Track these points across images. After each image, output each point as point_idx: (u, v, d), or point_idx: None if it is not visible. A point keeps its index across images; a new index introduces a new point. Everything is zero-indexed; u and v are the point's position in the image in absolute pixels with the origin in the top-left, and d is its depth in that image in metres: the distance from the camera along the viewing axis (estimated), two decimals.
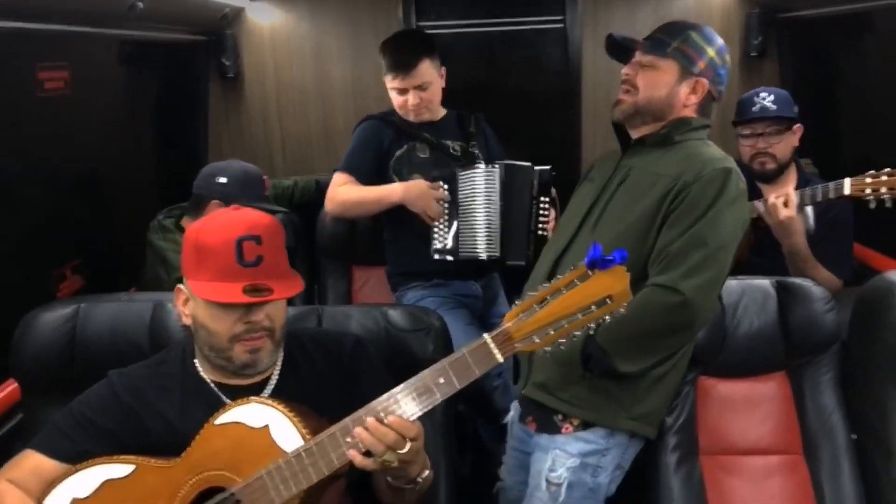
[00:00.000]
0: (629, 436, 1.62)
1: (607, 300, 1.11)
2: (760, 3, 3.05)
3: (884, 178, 1.92)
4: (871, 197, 1.94)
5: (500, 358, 1.17)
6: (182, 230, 2.24)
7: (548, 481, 1.60)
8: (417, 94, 2.29)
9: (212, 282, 1.27)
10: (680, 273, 1.47)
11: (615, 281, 1.11)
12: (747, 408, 1.80)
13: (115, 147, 2.50)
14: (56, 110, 2.05)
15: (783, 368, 1.81)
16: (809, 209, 2.14)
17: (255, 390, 1.36)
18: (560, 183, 2.25)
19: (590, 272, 1.11)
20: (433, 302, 2.29)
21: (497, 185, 2.21)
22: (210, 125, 3.25)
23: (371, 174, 2.32)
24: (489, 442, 2.42)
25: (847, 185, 1.97)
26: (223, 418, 1.26)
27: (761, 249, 2.09)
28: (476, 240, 2.23)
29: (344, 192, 2.31)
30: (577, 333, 1.14)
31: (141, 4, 2.10)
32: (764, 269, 1.95)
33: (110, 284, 2.27)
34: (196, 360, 1.39)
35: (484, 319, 2.44)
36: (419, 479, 1.27)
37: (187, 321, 1.36)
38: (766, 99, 2.21)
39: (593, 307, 1.11)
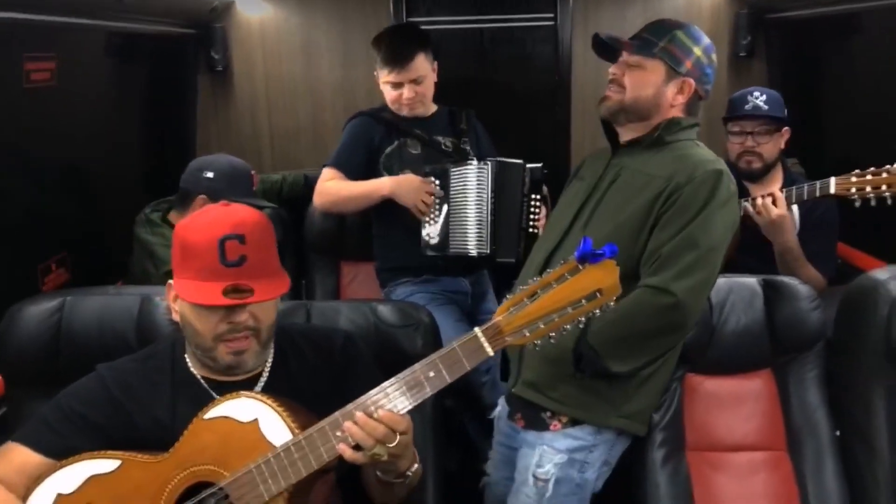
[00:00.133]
0: (617, 432, 1.63)
1: (597, 294, 1.12)
2: (749, 3, 3.07)
3: (869, 177, 1.94)
4: (856, 196, 1.95)
5: (490, 351, 1.17)
6: (169, 224, 2.23)
7: (535, 477, 1.61)
8: (412, 87, 2.28)
9: (194, 281, 1.26)
10: (672, 274, 1.48)
11: (605, 275, 1.12)
12: (733, 405, 1.81)
13: (101, 139, 2.48)
14: (42, 102, 2.03)
15: (769, 366, 1.83)
16: (795, 208, 2.15)
17: (245, 386, 1.35)
18: (549, 180, 2.25)
19: (580, 266, 1.11)
20: (422, 298, 2.29)
21: (488, 182, 2.21)
22: (198, 119, 3.23)
23: (360, 171, 2.32)
24: (476, 437, 2.42)
25: (832, 184, 1.99)
26: (212, 413, 1.25)
27: (747, 248, 2.10)
28: (466, 236, 2.23)
29: (332, 186, 2.31)
30: (568, 327, 1.15)
31: None
32: (750, 268, 1.96)
33: (96, 278, 2.25)
34: (186, 356, 1.38)
35: (473, 316, 2.44)
36: (408, 473, 1.27)
37: (176, 317, 1.34)
38: (759, 98, 2.23)
39: (584, 301, 1.12)
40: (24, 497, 1.25)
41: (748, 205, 2.06)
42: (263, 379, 1.38)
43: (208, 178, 2.16)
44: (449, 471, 2.18)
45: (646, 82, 1.62)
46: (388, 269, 2.42)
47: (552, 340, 1.16)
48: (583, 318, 1.14)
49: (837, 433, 1.77)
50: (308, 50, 3.25)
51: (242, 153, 3.02)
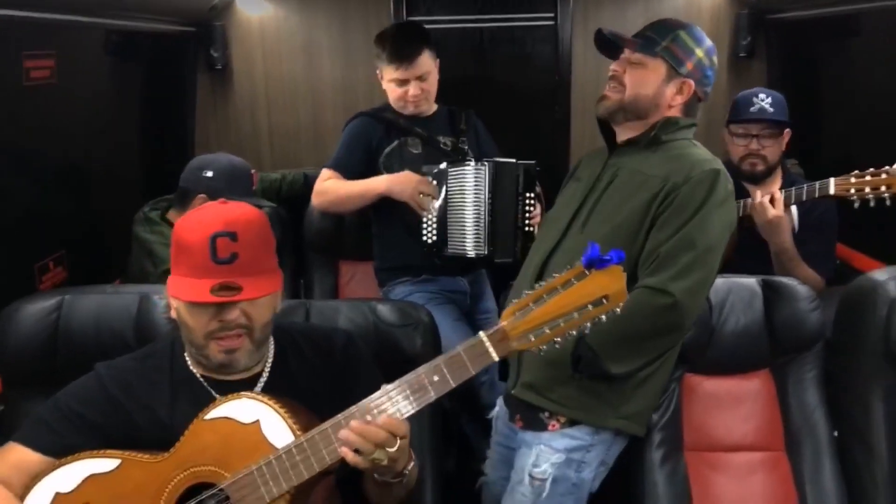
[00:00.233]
0: (615, 433, 1.63)
1: (603, 300, 1.11)
2: (749, 3, 3.07)
3: (868, 178, 1.94)
4: (856, 197, 1.95)
5: (495, 356, 1.17)
6: (168, 222, 2.22)
7: (531, 476, 1.61)
8: (418, 84, 2.28)
9: (185, 277, 1.26)
10: (670, 275, 1.48)
11: (612, 280, 1.11)
12: (732, 405, 1.81)
13: (100, 137, 2.47)
14: (41, 100, 2.02)
15: (768, 366, 1.83)
16: (794, 209, 2.16)
17: (245, 385, 1.34)
18: (549, 180, 2.25)
19: (587, 272, 1.11)
20: (421, 297, 2.29)
21: (485, 183, 2.20)
22: (197, 117, 3.22)
23: (359, 171, 2.31)
24: (474, 437, 2.41)
25: (832, 185, 1.99)
26: (213, 413, 1.24)
27: (746, 249, 2.10)
28: (464, 238, 2.23)
29: (330, 186, 2.31)
30: (573, 333, 1.14)
31: None
32: (748, 268, 1.95)
33: (94, 276, 2.25)
34: (186, 354, 1.38)
35: (471, 316, 2.44)
36: (405, 472, 1.27)
37: (174, 315, 1.34)
38: (765, 101, 2.21)
39: (589, 306, 1.11)
40: (23, 496, 1.25)
41: (748, 201, 2.06)
42: (264, 378, 1.37)
43: (208, 177, 2.16)
44: (447, 471, 2.19)
45: (646, 81, 1.62)
46: (387, 269, 2.41)
47: (557, 346, 1.15)
48: (588, 324, 1.13)
49: (836, 433, 1.77)
50: (308, 49, 3.24)
51: (241, 152, 3.00)
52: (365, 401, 1.20)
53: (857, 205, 1.96)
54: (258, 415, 1.22)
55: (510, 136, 2.88)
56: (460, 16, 3.25)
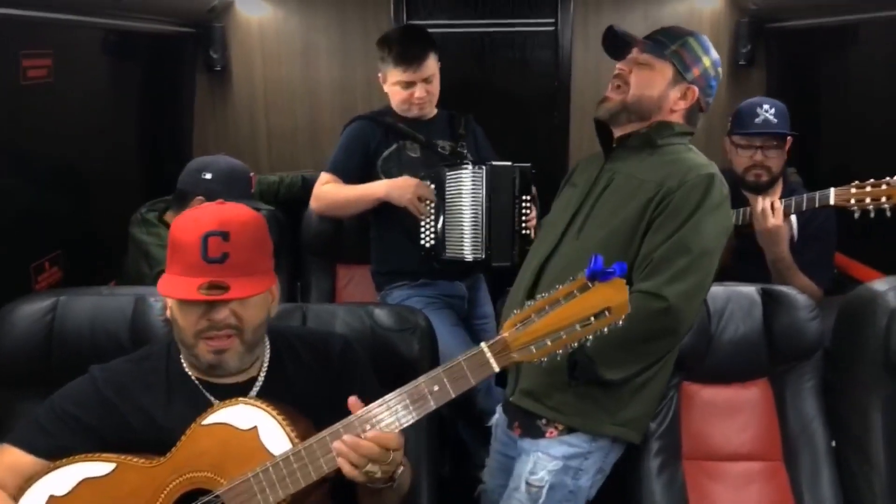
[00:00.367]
0: (612, 440, 1.62)
1: (606, 312, 1.11)
2: (749, 12, 3.08)
3: (868, 188, 1.94)
4: (856, 207, 1.95)
5: (496, 367, 1.16)
6: (165, 224, 2.21)
7: (528, 483, 1.60)
8: (423, 87, 2.28)
9: (176, 276, 1.26)
10: (664, 279, 1.48)
11: (614, 293, 1.11)
12: (730, 413, 1.81)
13: (98, 137, 2.46)
14: (39, 99, 2.01)
15: (766, 375, 1.83)
16: (793, 218, 2.15)
17: (241, 389, 1.34)
18: (547, 185, 2.25)
19: (590, 284, 1.10)
20: (419, 302, 2.28)
21: (483, 187, 2.20)
22: (196, 118, 3.21)
23: (358, 175, 2.31)
24: (471, 443, 2.41)
25: (832, 195, 1.99)
26: (210, 419, 1.23)
27: (744, 256, 2.10)
28: (462, 242, 2.23)
29: (329, 190, 2.30)
30: (575, 345, 1.14)
31: None
32: (747, 275, 1.96)
33: (90, 277, 2.23)
34: (181, 357, 1.37)
35: (468, 320, 2.44)
36: (395, 477, 1.26)
37: (168, 314, 1.34)
38: (769, 112, 2.19)
39: (592, 319, 1.11)
40: (16, 498, 1.24)
41: (747, 209, 2.06)
42: (259, 382, 1.36)
43: (206, 180, 2.15)
44: (443, 476, 2.18)
45: (652, 82, 1.62)
46: (385, 273, 2.41)
47: (558, 358, 1.15)
48: (590, 337, 1.13)
49: (833, 443, 1.76)
50: (307, 51, 3.23)
51: (240, 153, 3.00)
52: (363, 410, 1.19)
53: (857, 215, 1.95)
54: (256, 421, 1.21)
55: (509, 141, 2.87)
56: (460, 20, 3.25)
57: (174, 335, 1.33)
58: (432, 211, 2.24)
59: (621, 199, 1.59)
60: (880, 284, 1.72)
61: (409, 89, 2.28)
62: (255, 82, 3.25)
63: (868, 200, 1.93)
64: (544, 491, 1.59)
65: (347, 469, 1.17)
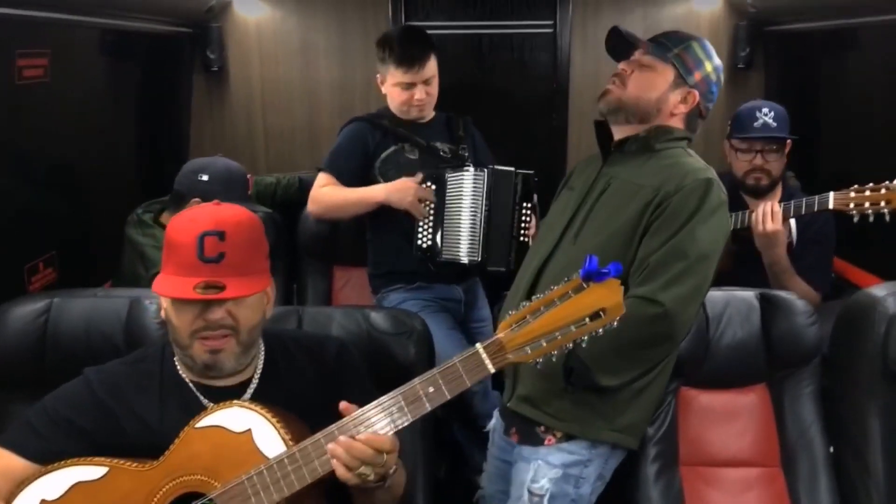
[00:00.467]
0: (611, 447, 1.61)
1: (601, 313, 1.10)
2: (748, 15, 3.08)
3: (867, 193, 1.93)
4: (855, 211, 1.94)
5: (491, 369, 1.16)
6: (161, 225, 2.21)
7: (530, 492, 1.59)
8: (424, 88, 2.27)
9: (171, 275, 1.25)
10: (660, 284, 1.46)
11: (609, 294, 1.10)
12: (728, 419, 1.80)
13: (94, 137, 2.45)
14: (34, 98, 2.00)
15: (764, 380, 1.82)
16: (792, 222, 2.15)
17: (235, 392, 1.33)
18: (546, 187, 2.24)
19: (584, 285, 1.10)
20: (415, 305, 2.27)
21: (484, 190, 2.19)
22: (193, 118, 3.21)
23: (355, 177, 2.30)
24: (467, 445, 2.40)
25: (831, 199, 1.98)
26: (204, 422, 1.23)
27: (743, 260, 2.09)
28: (459, 243, 2.22)
29: (327, 193, 2.29)
30: (570, 346, 1.13)
31: None
32: (746, 280, 1.95)
33: (86, 278, 2.22)
34: (175, 359, 1.36)
35: (465, 324, 2.43)
36: (388, 476, 1.25)
37: (163, 315, 1.33)
38: (768, 115, 2.19)
39: (587, 320, 1.11)
40: (8, 502, 1.23)
41: (746, 213, 2.06)
42: (254, 384, 1.36)
43: (203, 181, 2.15)
44: (439, 478, 2.17)
45: (652, 84, 1.61)
46: (381, 275, 2.39)
47: (554, 359, 1.14)
48: (585, 337, 1.12)
49: (831, 450, 1.76)
50: (305, 51, 3.23)
51: (237, 154, 3.00)
52: (358, 412, 1.19)
53: (856, 219, 1.95)
54: (250, 424, 1.21)
55: (507, 144, 2.87)
56: (459, 21, 3.24)
57: (169, 336, 1.33)
58: (431, 212, 2.23)
59: (619, 203, 1.58)
60: (879, 290, 1.71)
61: (409, 90, 2.26)
62: (252, 83, 3.24)
63: (867, 205, 1.92)
64: (546, 500, 1.58)
65: (341, 472, 1.17)
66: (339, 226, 2.63)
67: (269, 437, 1.20)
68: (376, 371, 1.49)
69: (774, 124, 2.18)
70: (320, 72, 3.24)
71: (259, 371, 1.37)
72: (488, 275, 2.30)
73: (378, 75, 2.33)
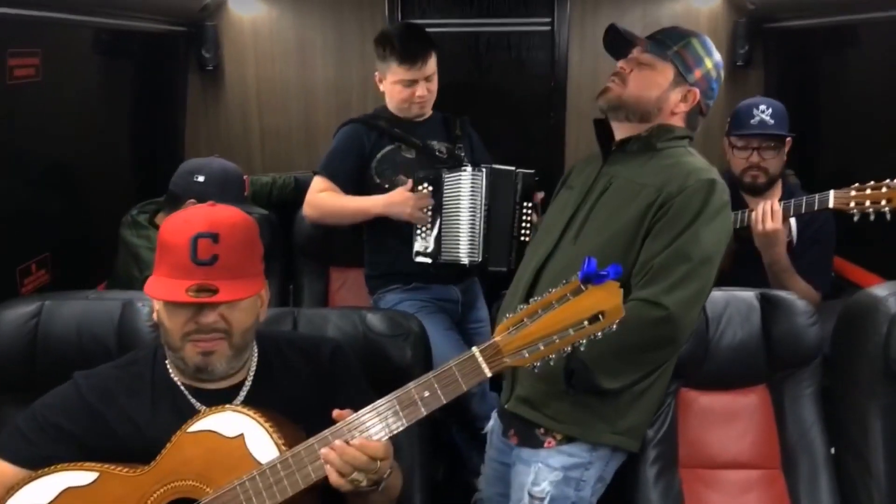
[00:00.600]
0: (612, 449, 1.59)
1: (600, 316, 1.09)
2: (747, 12, 3.06)
3: (868, 191, 1.92)
4: (855, 210, 1.93)
5: (488, 373, 1.14)
6: (156, 226, 2.19)
7: (531, 495, 1.57)
8: (425, 85, 2.25)
9: (164, 277, 1.24)
10: (663, 287, 1.45)
11: (608, 296, 1.09)
12: (727, 421, 1.79)
13: (87, 137, 2.43)
14: (26, 98, 1.98)
15: (764, 381, 1.80)
16: (792, 221, 2.14)
17: (227, 394, 1.32)
18: (543, 187, 2.23)
19: (583, 287, 1.08)
20: (412, 306, 2.26)
21: (482, 189, 2.18)
22: (188, 118, 3.19)
23: (351, 179, 2.28)
24: (465, 448, 2.39)
25: (831, 198, 1.96)
26: (196, 426, 1.21)
27: (743, 260, 2.08)
28: (458, 244, 2.20)
29: (324, 199, 2.27)
30: (568, 349, 1.11)
31: None
32: (746, 279, 1.94)
33: (79, 280, 2.20)
34: (167, 362, 1.34)
35: (462, 325, 2.41)
36: (383, 479, 1.23)
37: (155, 317, 1.31)
38: (765, 112, 2.17)
39: (585, 323, 1.09)
40: None
41: (746, 212, 2.05)
42: (246, 387, 1.34)
43: (199, 183, 2.13)
44: (436, 480, 2.16)
45: (652, 83, 1.59)
46: (378, 276, 2.38)
47: (551, 363, 1.12)
48: (583, 341, 1.10)
49: (832, 451, 1.74)
50: (301, 50, 3.21)
51: (232, 153, 2.98)
52: (353, 416, 1.18)
53: (856, 218, 1.93)
54: (242, 428, 1.19)
55: (505, 143, 2.85)
56: (455, 19, 3.22)
57: (161, 338, 1.31)
58: (430, 214, 2.21)
59: (620, 203, 1.55)
60: (880, 290, 1.70)
61: (410, 87, 2.25)
62: (248, 82, 3.22)
63: (868, 203, 1.91)
64: (546, 502, 1.57)
65: (334, 477, 1.16)
66: (335, 227, 2.61)
67: (261, 442, 1.18)
68: (372, 373, 1.47)
69: (772, 122, 2.17)
70: (316, 71, 3.22)
71: (252, 373, 1.35)
72: (488, 275, 2.28)
73: (376, 73, 2.31)
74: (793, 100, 2.77)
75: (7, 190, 1.98)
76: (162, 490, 1.20)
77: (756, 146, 2.18)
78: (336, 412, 1.20)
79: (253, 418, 1.20)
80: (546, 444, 1.57)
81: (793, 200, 2.03)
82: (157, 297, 1.24)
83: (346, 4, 3.17)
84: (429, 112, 2.36)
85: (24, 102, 1.99)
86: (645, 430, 1.65)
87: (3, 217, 1.96)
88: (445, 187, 2.20)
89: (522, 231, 2.19)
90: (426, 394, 1.16)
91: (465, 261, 2.20)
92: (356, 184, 2.28)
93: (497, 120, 3.18)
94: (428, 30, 2.34)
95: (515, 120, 3.30)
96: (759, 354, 1.77)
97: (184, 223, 1.25)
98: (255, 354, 1.37)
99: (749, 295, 1.80)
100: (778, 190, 2.24)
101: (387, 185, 2.28)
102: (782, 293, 1.82)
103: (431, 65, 2.25)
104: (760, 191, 2.21)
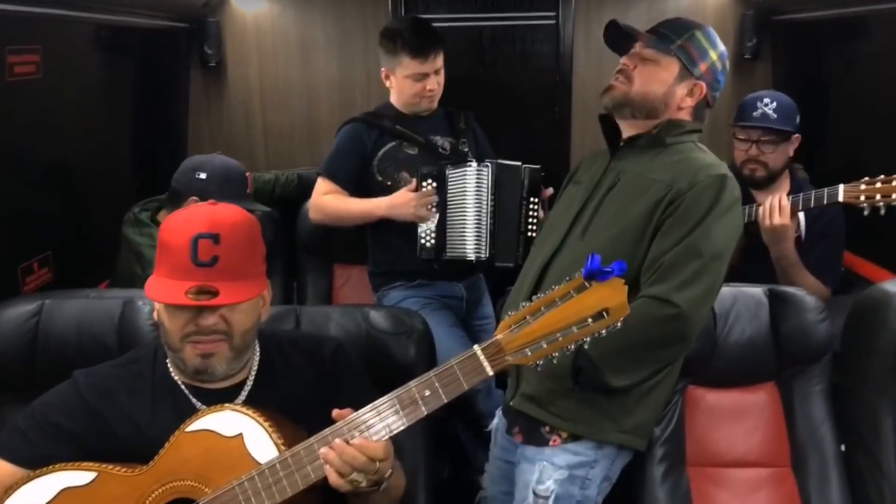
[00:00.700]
0: (618, 447, 1.57)
1: (604, 313, 1.06)
2: (755, 4, 3.03)
3: (878, 185, 1.89)
4: (866, 204, 1.90)
5: (490, 371, 1.13)
6: (158, 224, 2.17)
7: (535, 493, 1.56)
8: (435, 78, 2.25)
9: (164, 278, 1.22)
10: (674, 285, 1.43)
11: (613, 293, 1.06)
12: (736, 418, 1.76)
13: (89, 135, 2.42)
14: (26, 96, 1.97)
15: (773, 378, 1.78)
16: (801, 215, 2.10)
17: (228, 394, 1.30)
18: (549, 182, 2.21)
19: (587, 284, 1.05)
20: (416, 303, 2.25)
21: (487, 184, 2.16)
22: (190, 115, 3.17)
23: (354, 179, 2.28)
24: (469, 445, 2.38)
25: (841, 192, 1.93)
26: (194, 425, 1.20)
27: (751, 255, 2.05)
28: (464, 240, 2.19)
29: (328, 202, 2.28)
30: (572, 347, 1.09)
31: None
32: (754, 275, 1.92)
33: (82, 279, 2.19)
34: (168, 361, 1.33)
35: (467, 321, 2.40)
36: (384, 479, 1.22)
37: (156, 316, 1.30)
38: (769, 106, 2.15)
39: (589, 320, 1.07)
40: None
41: (754, 206, 2.02)
42: (248, 387, 1.33)
43: (201, 180, 2.11)
44: (441, 479, 2.14)
45: (657, 78, 1.56)
46: (381, 273, 2.37)
47: (554, 361, 1.10)
48: (587, 339, 1.08)
49: (842, 447, 1.72)
50: (304, 46, 3.19)
51: (235, 150, 2.97)
52: (353, 416, 1.16)
53: (867, 212, 1.90)
54: (241, 428, 1.18)
55: (509, 137, 2.82)
56: (459, 14, 3.20)
57: (162, 339, 1.30)
58: (434, 210, 2.20)
59: (628, 199, 1.53)
60: (892, 285, 1.68)
61: (422, 81, 2.24)
62: (250, 78, 3.20)
63: (878, 197, 1.87)
64: (551, 501, 1.55)
65: (333, 478, 1.14)
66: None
67: (260, 442, 1.17)
68: (376, 371, 1.46)
69: (774, 116, 2.15)
70: (319, 67, 3.21)
71: (254, 373, 1.34)
72: (495, 271, 2.26)
73: (383, 70, 2.30)
74: (801, 93, 2.74)
75: (7, 188, 1.98)
76: (160, 490, 1.19)
77: (756, 139, 2.16)
78: (335, 412, 1.18)
79: (252, 418, 1.18)
80: (551, 443, 1.56)
81: (801, 195, 2.00)
82: (157, 300, 1.23)
83: (348, 0, 3.15)
84: (436, 106, 2.35)
85: (25, 100, 1.98)
86: (652, 428, 1.64)
87: (3, 215, 1.95)
88: (450, 183, 2.19)
89: (529, 226, 2.18)
90: (427, 393, 1.14)
91: (472, 256, 2.18)
92: (359, 184, 2.28)
93: (501, 115, 3.16)
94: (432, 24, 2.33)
95: (520, 115, 3.28)
96: (768, 351, 1.74)
97: (184, 223, 1.23)
98: (257, 354, 1.36)
99: (757, 291, 1.78)
100: (786, 184, 2.21)
101: (389, 183, 2.27)
102: (791, 289, 1.80)
103: (440, 58, 2.25)
104: (759, 184, 2.19)
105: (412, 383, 1.15)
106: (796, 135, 2.18)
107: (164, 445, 1.21)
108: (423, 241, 2.22)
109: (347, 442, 1.14)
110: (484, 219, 2.17)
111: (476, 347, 1.13)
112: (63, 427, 1.25)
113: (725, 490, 1.71)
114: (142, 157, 2.83)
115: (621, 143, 1.63)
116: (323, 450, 1.14)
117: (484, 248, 2.18)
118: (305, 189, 2.35)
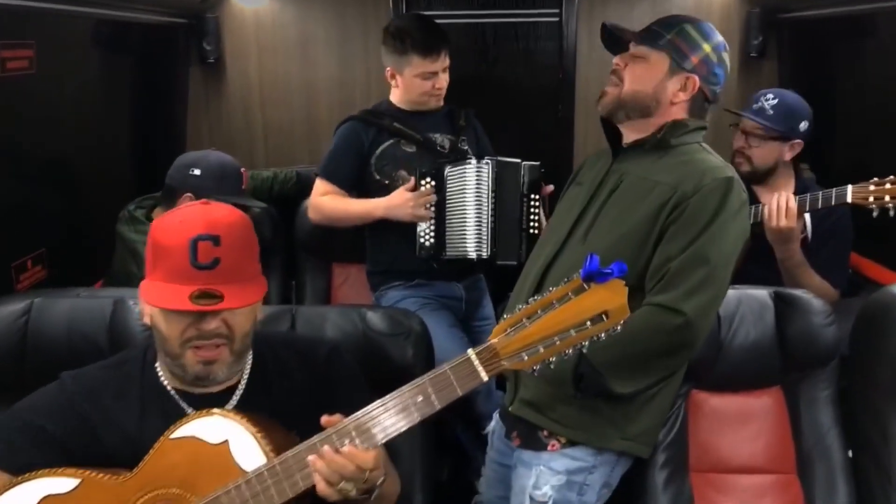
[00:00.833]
0: (618, 454, 1.55)
1: (603, 316, 1.03)
2: (761, 2, 3.01)
3: (888, 185, 1.87)
4: (874, 205, 1.88)
5: (484, 377, 1.09)
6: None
7: (532, 499, 1.53)
8: (444, 76, 2.24)
9: (162, 282, 1.18)
10: (681, 293, 1.40)
11: (612, 295, 1.03)
12: (740, 423, 1.74)
13: (85, 132, 2.40)
14: (20, 91, 1.94)
15: (779, 383, 1.75)
16: (807, 216, 2.07)
17: (220, 398, 1.27)
18: (551, 180, 2.19)
19: (585, 285, 1.02)
20: (414, 303, 2.22)
21: (487, 182, 2.14)
22: (189, 112, 3.15)
23: (352, 178, 2.27)
24: (469, 447, 2.35)
25: (849, 193, 1.91)
26: (179, 432, 1.16)
27: (756, 257, 2.02)
28: (465, 238, 2.16)
29: (326, 203, 2.26)
30: (570, 351, 1.06)
31: None
32: (759, 277, 1.89)
33: (76, 277, 2.16)
34: (157, 365, 1.30)
35: (467, 322, 2.38)
36: (375, 487, 1.19)
37: (147, 321, 1.26)
38: (769, 101, 2.15)
39: (588, 323, 1.03)
40: None
41: (759, 207, 2.00)
42: (239, 391, 1.29)
43: (195, 176, 2.09)
44: (440, 480, 2.11)
45: (646, 76, 1.53)
46: (380, 273, 2.34)
47: (552, 366, 1.07)
48: (586, 343, 1.04)
49: (850, 453, 1.69)
50: (304, 43, 3.17)
51: (234, 148, 2.95)
52: (344, 422, 1.13)
53: (875, 213, 1.87)
54: (227, 434, 1.15)
55: (512, 136, 2.80)
56: (461, 11, 3.18)
57: (155, 344, 1.26)
58: (433, 209, 2.17)
59: (632, 201, 1.50)
60: None
61: (431, 80, 2.22)
62: (250, 75, 3.18)
63: (887, 198, 1.86)
64: None
65: (321, 487, 1.11)
66: None
67: (247, 449, 1.13)
68: (373, 373, 1.43)
69: (771, 112, 2.14)
70: (319, 64, 3.19)
71: (246, 376, 1.31)
72: (496, 271, 2.24)
73: (388, 69, 2.27)
74: (807, 91, 2.70)
75: (2, 184, 1.95)
76: (145, 498, 1.16)
77: (748, 131, 2.17)
78: (325, 418, 1.15)
79: (239, 423, 1.15)
80: (549, 447, 1.53)
81: (808, 195, 1.98)
82: (158, 305, 1.18)
83: None
84: (442, 104, 2.33)
85: (19, 96, 1.95)
86: (657, 434, 1.61)
87: None
88: (449, 181, 2.16)
89: (531, 224, 2.15)
90: (419, 398, 1.11)
91: (473, 255, 2.16)
92: (356, 182, 2.26)
93: (504, 113, 3.14)
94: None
95: (523, 113, 3.26)
96: (773, 355, 1.71)
97: (179, 224, 1.19)
98: (251, 357, 1.32)
99: (762, 293, 1.75)
100: (791, 184, 2.18)
101: (387, 182, 2.25)
102: (797, 291, 1.77)
103: (447, 55, 2.23)
104: (745, 179, 2.16)
105: (405, 388, 1.12)
106: (797, 140, 2.14)
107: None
108: (422, 240, 2.19)
109: (337, 450, 1.11)
110: (485, 217, 2.14)
111: (470, 352, 1.10)
112: (47, 430, 1.22)
113: (729, 497, 1.69)
114: (140, 155, 2.80)
115: (624, 147, 1.60)
116: (310, 458, 1.11)
117: (485, 246, 2.16)
118: (304, 187, 2.32)
